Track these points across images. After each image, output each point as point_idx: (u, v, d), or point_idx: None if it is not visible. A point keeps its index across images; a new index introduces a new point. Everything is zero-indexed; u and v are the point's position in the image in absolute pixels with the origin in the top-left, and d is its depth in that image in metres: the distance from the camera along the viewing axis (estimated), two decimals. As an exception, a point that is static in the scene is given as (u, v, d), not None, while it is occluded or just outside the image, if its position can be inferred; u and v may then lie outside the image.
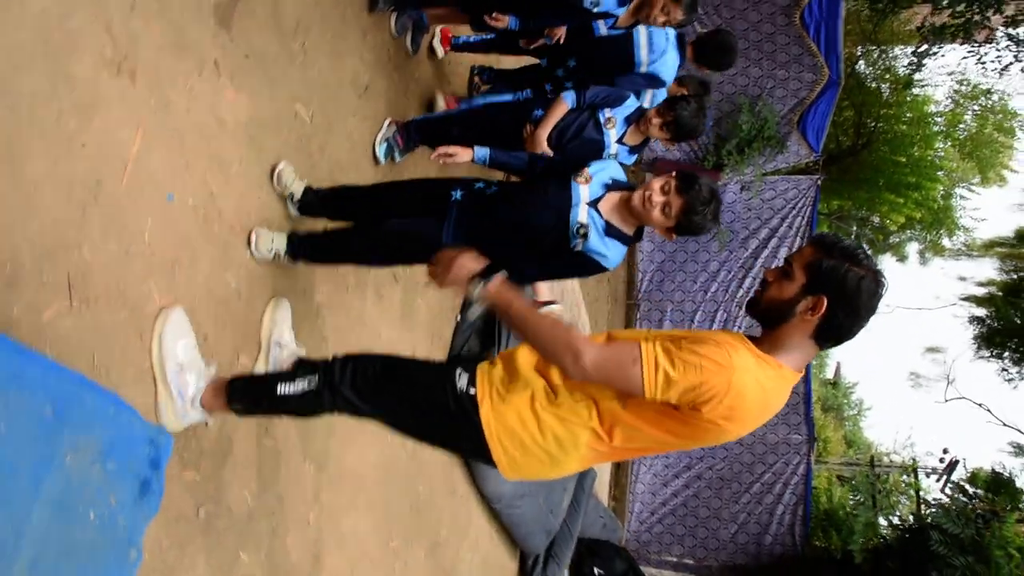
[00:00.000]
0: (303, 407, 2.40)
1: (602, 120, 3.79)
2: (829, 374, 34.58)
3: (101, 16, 2.16)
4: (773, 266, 2.42)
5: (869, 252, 2.06)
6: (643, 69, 4.20)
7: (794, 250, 2.14)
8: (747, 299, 2.45)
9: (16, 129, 1.91)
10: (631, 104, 3.82)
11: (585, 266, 2.95)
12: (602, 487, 9.90)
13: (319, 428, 3.36)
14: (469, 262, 2.22)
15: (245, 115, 2.85)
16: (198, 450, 2.59)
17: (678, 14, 3.79)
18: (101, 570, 1.66)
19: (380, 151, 3.88)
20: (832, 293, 1.94)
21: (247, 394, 2.46)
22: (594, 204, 2.92)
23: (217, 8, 2.68)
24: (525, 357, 2.30)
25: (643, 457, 10.21)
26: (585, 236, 2.88)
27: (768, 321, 2.07)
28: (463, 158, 3.33)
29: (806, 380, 9.94)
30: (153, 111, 2.37)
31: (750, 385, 1.93)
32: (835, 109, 8.57)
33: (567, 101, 3.79)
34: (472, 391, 2.23)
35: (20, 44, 1.91)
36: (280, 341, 2.95)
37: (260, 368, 2.89)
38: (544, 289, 5.32)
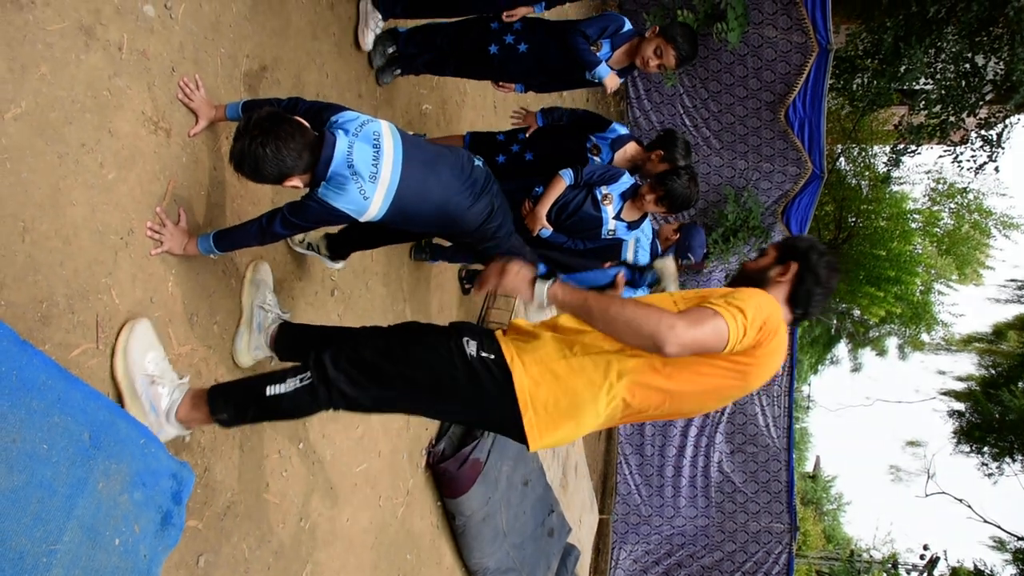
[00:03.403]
0: (297, 406, 2.26)
1: (599, 197, 3.94)
2: (808, 467, 34.43)
3: (144, 77, 2.32)
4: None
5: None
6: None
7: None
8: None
9: (63, 176, 2.03)
10: (627, 181, 3.98)
11: None
12: (582, 574, 9.76)
13: (317, 486, 3.40)
14: (523, 268, 2.22)
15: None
16: (202, 499, 2.63)
17: (671, 58, 3.70)
18: (122, 596, 1.71)
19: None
20: (800, 261, 2.30)
21: (232, 400, 2.31)
22: None
23: (247, 76, 2.85)
24: (528, 322, 2.32)
25: (623, 542, 10.10)
26: None
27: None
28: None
29: (789, 468, 9.91)
30: (184, 167, 2.50)
31: (782, 321, 2.20)
32: (817, 203, 8.81)
33: (565, 178, 3.92)
34: (484, 355, 2.19)
35: (74, 98, 2.06)
36: (263, 304, 2.85)
37: (243, 336, 2.80)
38: None
